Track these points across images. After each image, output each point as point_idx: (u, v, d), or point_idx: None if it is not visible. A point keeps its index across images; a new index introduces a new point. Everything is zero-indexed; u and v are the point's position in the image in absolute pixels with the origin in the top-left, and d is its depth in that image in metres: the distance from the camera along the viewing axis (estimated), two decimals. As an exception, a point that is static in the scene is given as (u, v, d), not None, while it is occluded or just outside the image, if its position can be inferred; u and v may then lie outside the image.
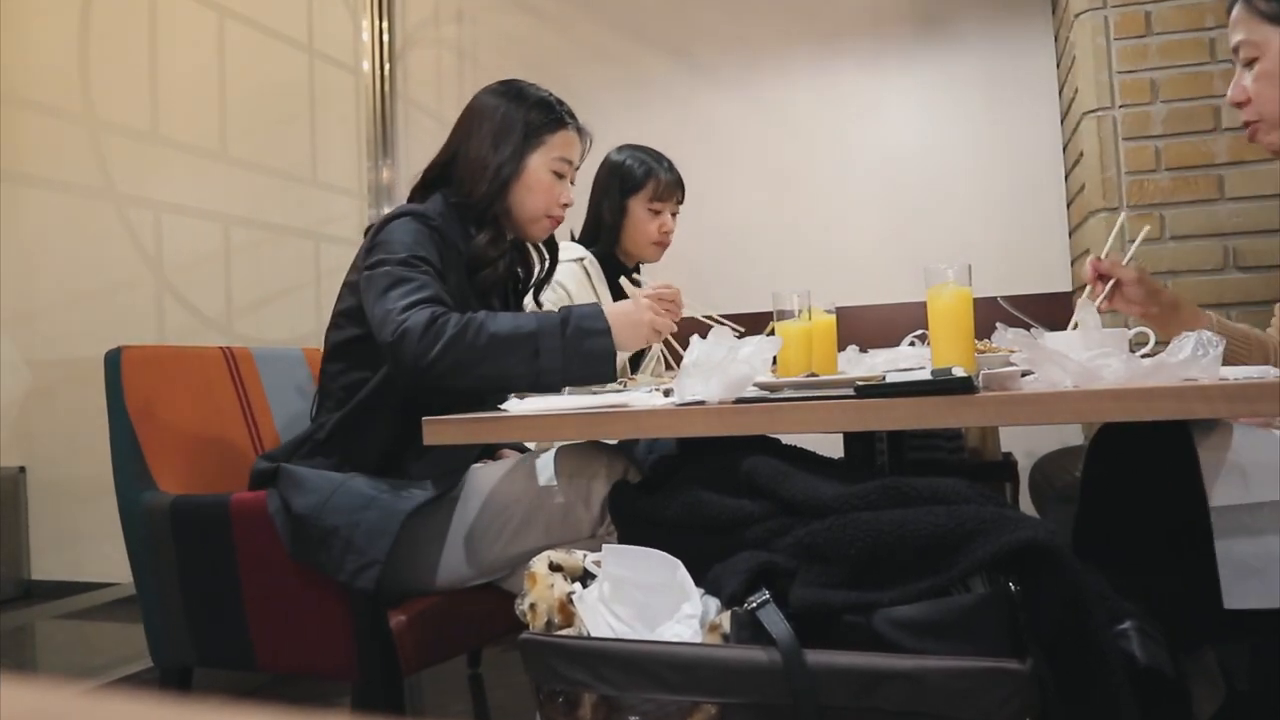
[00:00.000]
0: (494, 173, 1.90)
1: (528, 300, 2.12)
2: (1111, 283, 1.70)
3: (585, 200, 2.63)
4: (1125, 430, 1.58)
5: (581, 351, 1.62)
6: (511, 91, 1.97)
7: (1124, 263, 1.75)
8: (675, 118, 3.74)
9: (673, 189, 2.65)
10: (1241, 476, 1.37)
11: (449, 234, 1.85)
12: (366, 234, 1.89)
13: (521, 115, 1.93)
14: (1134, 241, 1.73)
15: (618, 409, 1.40)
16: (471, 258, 1.88)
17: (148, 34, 3.92)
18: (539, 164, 1.93)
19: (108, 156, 3.93)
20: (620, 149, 2.70)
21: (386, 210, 4.10)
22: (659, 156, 2.68)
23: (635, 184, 2.62)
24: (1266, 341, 1.80)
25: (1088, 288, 1.71)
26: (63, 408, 3.86)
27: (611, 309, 1.68)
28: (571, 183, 2.01)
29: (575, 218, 2.69)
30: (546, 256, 2.11)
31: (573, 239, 2.67)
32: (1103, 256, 1.72)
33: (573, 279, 2.49)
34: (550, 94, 2.00)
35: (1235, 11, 1.69)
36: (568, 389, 1.68)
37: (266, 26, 4.03)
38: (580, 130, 2.02)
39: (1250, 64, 1.68)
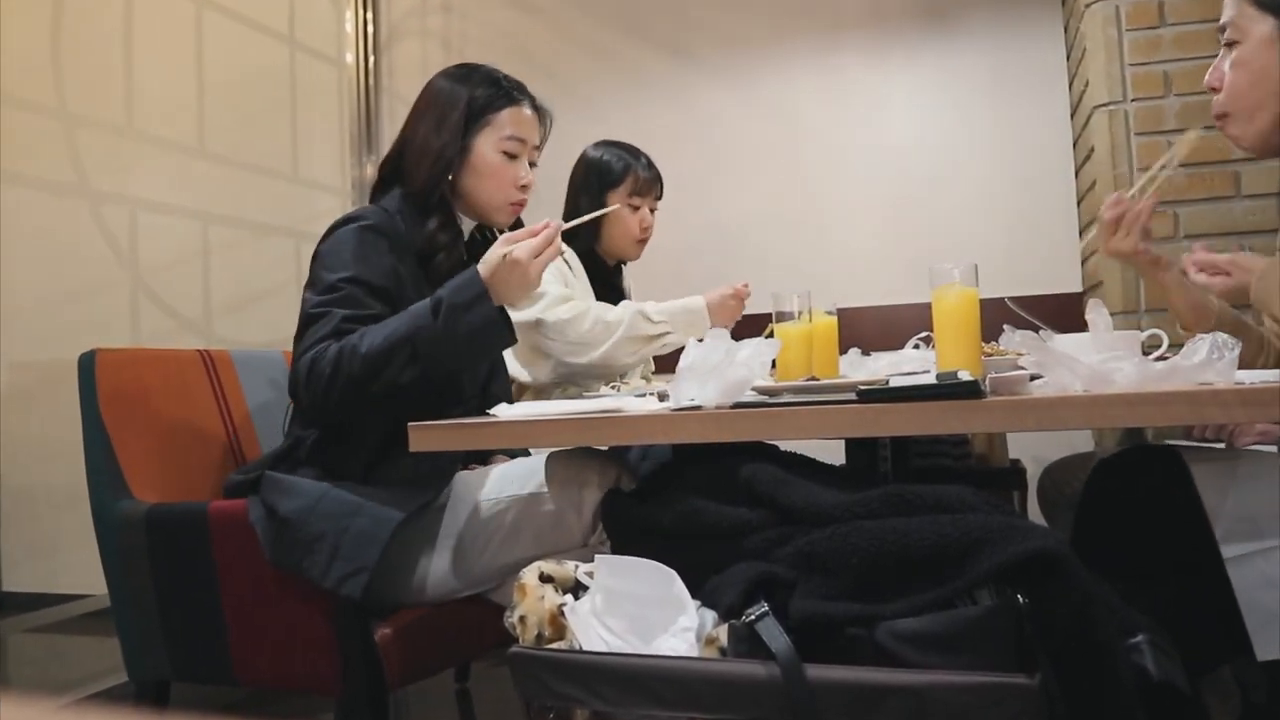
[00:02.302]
0: (435, 157, 1.89)
1: None
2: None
3: (554, 196, 2.63)
4: (1123, 459, 1.61)
5: (462, 331, 1.63)
6: (460, 73, 1.96)
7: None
8: (671, 114, 3.74)
9: (651, 184, 2.67)
10: (1251, 522, 1.38)
11: (396, 232, 1.85)
12: None
13: (465, 95, 1.91)
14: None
15: (611, 414, 1.40)
16: (421, 247, 1.87)
17: (123, 25, 3.92)
18: (485, 145, 1.91)
19: (81, 152, 3.92)
20: (596, 145, 2.71)
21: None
22: (636, 152, 2.69)
23: (613, 179, 2.64)
24: (1263, 335, 1.81)
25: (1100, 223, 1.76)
26: (35, 412, 3.84)
27: (488, 262, 1.67)
28: (532, 164, 1.98)
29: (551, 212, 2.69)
30: None
31: None
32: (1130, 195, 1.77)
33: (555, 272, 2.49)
34: (500, 72, 1.97)
35: None
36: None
37: (246, 17, 4.03)
38: (537, 108, 1.99)
39: (1230, 46, 1.65)
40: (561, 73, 3.81)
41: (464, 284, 1.66)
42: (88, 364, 1.92)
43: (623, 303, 2.47)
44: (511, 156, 1.93)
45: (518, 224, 2.07)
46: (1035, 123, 3.40)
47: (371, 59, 4.09)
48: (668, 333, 2.43)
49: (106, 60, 3.95)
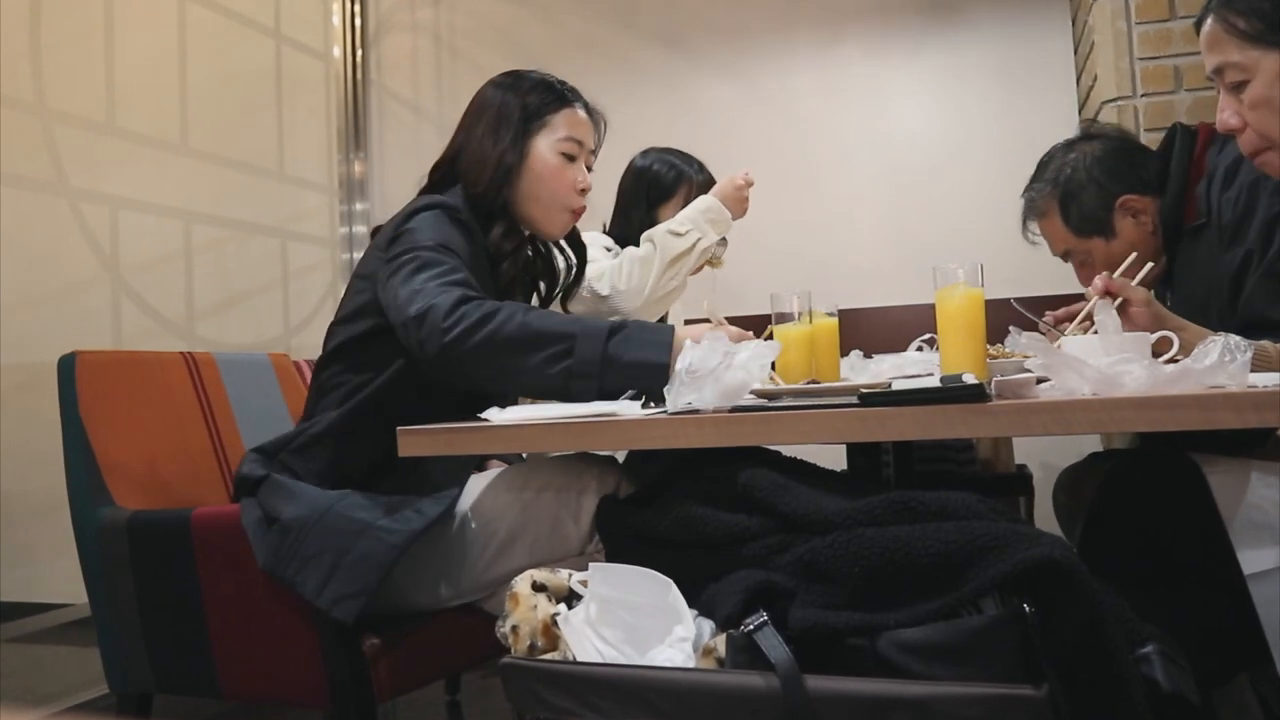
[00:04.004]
0: (496, 162, 1.89)
1: (554, 306, 2.12)
2: (1119, 301, 1.70)
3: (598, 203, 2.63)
4: (1136, 465, 1.60)
5: (625, 358, 1.52)
6: (510, 80, 1.98)
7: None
8: (667, 110, 3.74)
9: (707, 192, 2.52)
10: (1272, 536, 1.37)
11: (473, 227, 1.85)
12: (374, 234, 1.90)
13: (520, 100, 1.93)
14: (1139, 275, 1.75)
15: (607, 418, 1.40)
16: (488, 251, 1.88)
17: (103, 18, 3.91)
18: (544, 147, 1.92)
19: (61, 149, 3.91)
20: (645, 153, 2.67)
21: (358, 206, 4.15)
22: (689, 158, 2.65)
23: (665, 191, 2.60)
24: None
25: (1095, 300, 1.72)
26: (14, 416, 3.83)
27: (685, 331, 1.56)
28: (589, 169, 2.00)
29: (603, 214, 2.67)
30: (574, 259, 2.10)
31: (605, 231, 2.65)
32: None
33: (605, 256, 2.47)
34: (553, 76, 2.01)
35: (1208, 30, 1.65)
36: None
37: (230, 10, 4.02)
38: (591, 111, 2.02)
39: (1238, 87, 1.64)
40: (553, 66, 3.74)
41: (654, 329, 1.56)
42: (68, 367, 1.92)
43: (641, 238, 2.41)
44: (570, 158, 1.94)
45: (573, 234, 2.08)
46: (1042, 119, 3.40)
47: (359, 53, 4.09)
48: (698, 238, 2.39)
49: (87, 55, 3.94)
